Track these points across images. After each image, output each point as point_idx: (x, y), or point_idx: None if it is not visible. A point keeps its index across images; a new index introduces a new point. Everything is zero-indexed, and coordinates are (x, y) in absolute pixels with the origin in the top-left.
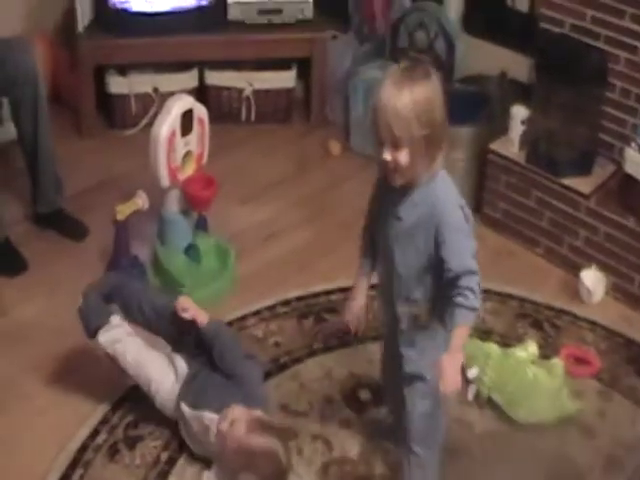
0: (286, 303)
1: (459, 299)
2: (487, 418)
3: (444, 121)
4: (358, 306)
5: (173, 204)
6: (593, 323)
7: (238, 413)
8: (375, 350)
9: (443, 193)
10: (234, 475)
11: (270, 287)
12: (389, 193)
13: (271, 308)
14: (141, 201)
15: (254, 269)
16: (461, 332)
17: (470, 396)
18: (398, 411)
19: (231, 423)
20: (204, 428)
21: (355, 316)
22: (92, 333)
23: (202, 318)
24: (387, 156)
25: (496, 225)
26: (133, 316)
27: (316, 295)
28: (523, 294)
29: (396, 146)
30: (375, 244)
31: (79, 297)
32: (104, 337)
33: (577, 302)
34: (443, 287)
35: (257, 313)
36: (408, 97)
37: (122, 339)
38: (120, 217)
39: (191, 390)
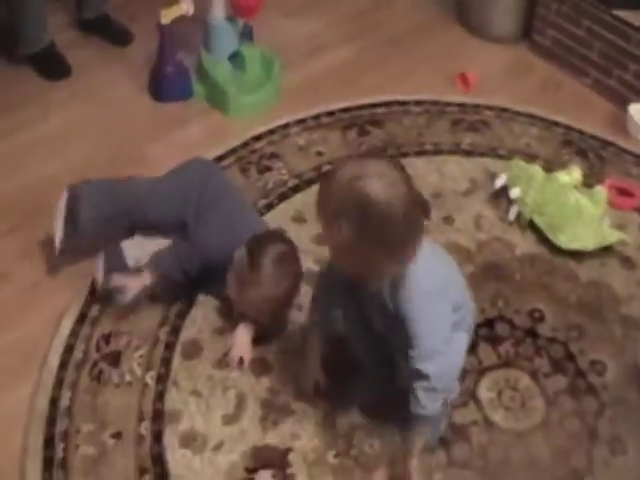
0: (330, 114)
1: (411, 401)
2: (528, 241)
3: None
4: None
5: (219, 10)
6: (639, 157)
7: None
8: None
9: (412, 280)
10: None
11: (314, 99)
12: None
13: (315, 118)
14: (186, 6)
15: (299, 81)
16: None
17: (512, 216)
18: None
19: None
20: None
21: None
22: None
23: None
24: None
25: (545, 53)
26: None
27: (360, 107)
28: (570, 122)
29: None
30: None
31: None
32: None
33: (624, 135)
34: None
35: (301, 122)
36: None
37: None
38: (165, 21)
39: None
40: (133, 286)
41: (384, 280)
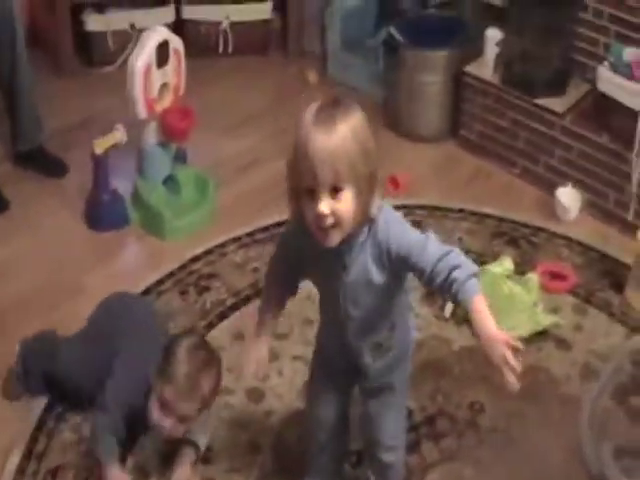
0: (265, 229)
1: (453, 288)
2: (465, 335)
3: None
4: (259, 354)
5: (151, 136)
6: (569, 239)
7: None
8: None
9: (382, 219)
10: None
11: (249, 215)
12: (317, 249)
13: (250, 235)
14: (119, 134)
15: (233, 199)
16: (476, 307)
17: (447, 313)
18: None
19: None
20: None
21: (253, 361)
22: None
23: None
24: (324, 208)
25: (472, 147)
26: None
27: None
28: (499, 213)
29: (336, 192)
30: (289, 283)
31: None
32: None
33: (553, 220)
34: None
35: (236, 240)
36: (345, 130)
37: None
38: (98, 151)
39: None
40: None
41: (357, 237)
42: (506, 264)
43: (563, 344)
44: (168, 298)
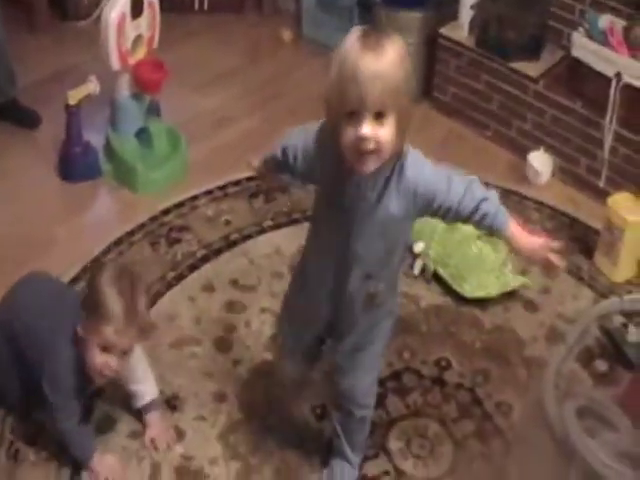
0: (237, 183)
1: (486, 221)
2: (433, 293)
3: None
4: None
5: (124, 88)
6: (540, 203)
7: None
8: None
9: (412, 166)
10: None
11: (221, 170)
12: (345, 173)
13: (222, 188)
14: (92, 85)
15: (205, 154)
16: (512, 232)
17: (416, 270)
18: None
19: None
20: None
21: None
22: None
23: None
24: (367, 130)
25: (446, 109)
26: None
27: None
28: (472, 175)
29: (380, 117)
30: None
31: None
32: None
33: (524, 184)
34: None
35: (208, 193)
36: (393, 55)
37: None
38: (72, 102)
39: None
40: None
41: (384, 172)
42: None
43: (530, 305)
44: (139, 249)
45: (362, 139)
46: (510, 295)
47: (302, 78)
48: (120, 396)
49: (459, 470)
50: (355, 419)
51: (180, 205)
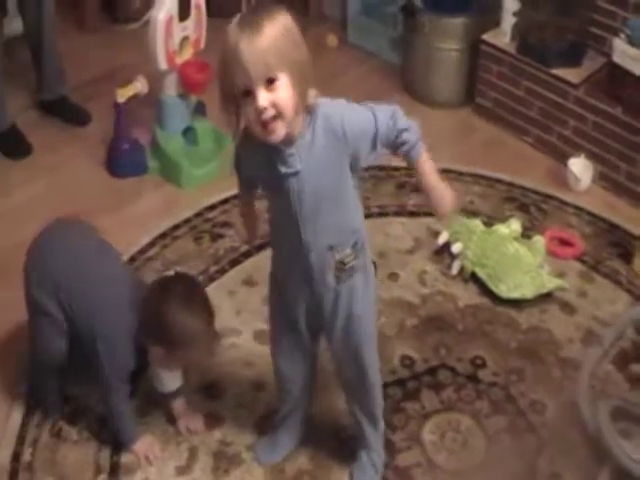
0: None
1: (403, 148)
2: (470, 293)
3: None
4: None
5: (171, 88)
6: (579, 209)
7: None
8: None
9: (328, 106)
10: None
11: None
12: (268, 155)
13: None
14: (140, 85)
15: None
16: (424, 165)
17: (454, 271)
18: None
19: None
20: None
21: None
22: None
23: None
24: (263, 101)
25: (487, 114)
26: None
27: None
28: (512, 179)
29: (270, 82)
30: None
31: None
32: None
33: (564, 189)
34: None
35: None
36: (272, 29)
37: None
38: (120, 99)
39: None
40: None
41: (303, 136)
42: (514, 226)
43: (567, 308)
44: (183, 243)
45: (260, 111)
46: (547, 297)
47: (346, 83)
48: None
49: (490, 464)
50: (364, 387)
51: (224, 202)
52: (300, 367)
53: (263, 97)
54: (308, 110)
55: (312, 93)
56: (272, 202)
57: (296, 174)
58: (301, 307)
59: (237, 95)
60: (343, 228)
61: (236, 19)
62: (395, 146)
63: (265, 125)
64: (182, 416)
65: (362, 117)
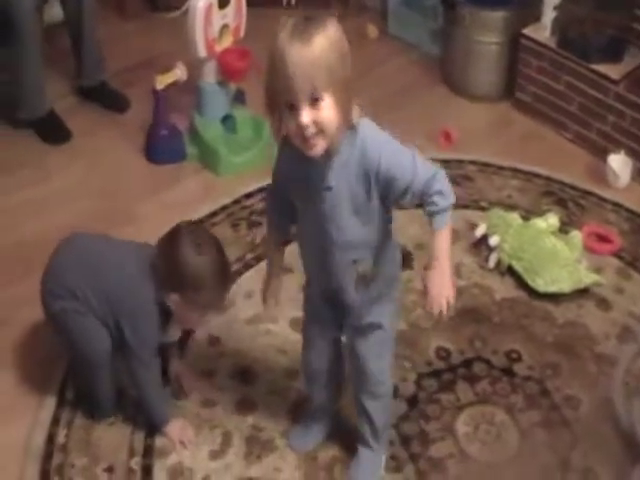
0: None
1: (430, 208)
2: (507, 286)
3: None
4: (275, 287)
5: (210, 75)
6: (617, 205)
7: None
8: None
9: (370, 137)
10: None
11: None
12: (305, 165)
13: None
14: (180, 72)
15: None
16: (441, 237)
17: (492, 263)
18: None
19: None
20: None
21: (272, 295)
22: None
23: None
24: (306, 119)
25: (527, 109)
26: None
27: None
28: (550, 174)
29: (315, 101)
30: (289, 212)
31: None
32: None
33: (603, 185)
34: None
35: None
36: (321, 41)
37: None
38: (159, 86)
39: None
40: None
41: (341, 155)
42: (551, 220)
43: (604, 304)
44: (220, 229)
45: (302, 127)
46: (583, 292)
47: (385, 74)
48: (197, 368)
49: (523, 458)
50: (375, 395)
51: (262, 190)
52: (325, 358)
53: (306, 115)
54: (349, 127)
55: (355, 111)
56: (302, 212)
57: (329, 189)
58: (325, 306)
59: (280, 104)
60: (368, 243)
61: (288, 25)
62: (424, 203)
63: (306, 140)
64: (184, 377)
65: (400, 165)
